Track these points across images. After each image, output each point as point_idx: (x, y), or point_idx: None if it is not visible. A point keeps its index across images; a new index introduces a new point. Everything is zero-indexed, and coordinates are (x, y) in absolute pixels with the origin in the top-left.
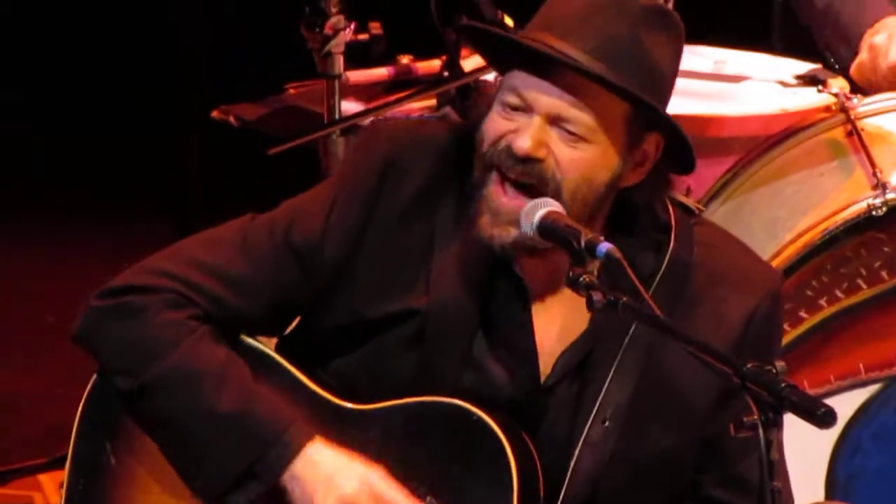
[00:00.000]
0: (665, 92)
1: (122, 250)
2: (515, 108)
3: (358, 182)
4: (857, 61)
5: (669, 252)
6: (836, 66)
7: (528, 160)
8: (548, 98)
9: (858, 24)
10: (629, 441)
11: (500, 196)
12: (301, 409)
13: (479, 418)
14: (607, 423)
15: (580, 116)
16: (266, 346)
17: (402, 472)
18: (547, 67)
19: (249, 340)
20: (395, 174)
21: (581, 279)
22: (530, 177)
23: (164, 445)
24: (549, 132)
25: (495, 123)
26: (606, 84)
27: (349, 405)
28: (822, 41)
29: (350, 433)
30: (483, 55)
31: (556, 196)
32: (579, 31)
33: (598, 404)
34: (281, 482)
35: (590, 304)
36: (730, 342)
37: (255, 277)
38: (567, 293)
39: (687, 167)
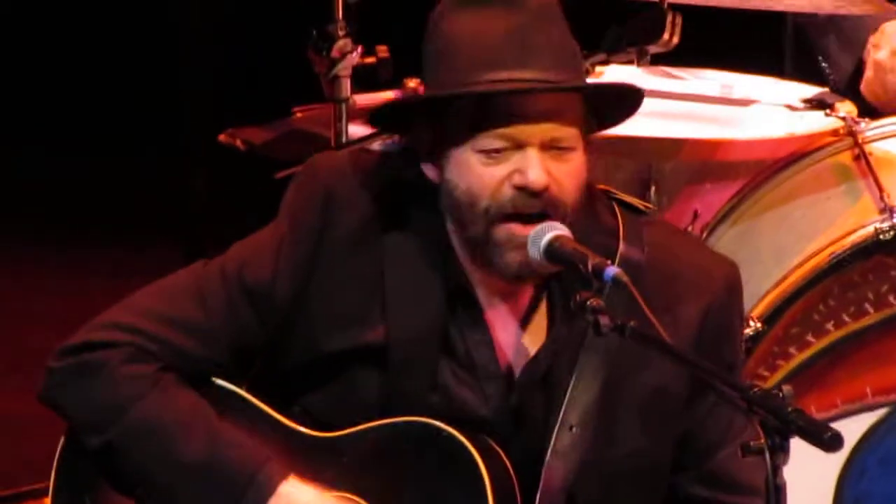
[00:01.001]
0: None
1: (128, 274)
2: (500, 151)
3: (301, 220)
4: (872, 60)
5: (618, 256)
6: (833, 79)
7: (542, 192)
8: (537, 127)
9: (859, 28)
10: (600, 447)
11: (522, 231)
12: (273, 444)
13: (449, 434)
14: (574, 430)
15: (568, 131)
16: (234, 386)
17: (378, 498)
18: (520, 100)
19: (217, 381)
20: (337, 207)
21: (588, 303)
22: (545, 206)
23: (141, 501)
24: (545, 157)
25: (483, 174)
26: (584, 90)
27: (320, 434)
28: (823, 52)
29: (323, 463)
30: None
31: (565, 215)
32: (527, 51)
33: (562, 411)
34: None
35: (597, 329)
36: (688, 340)
37: (211, 324)
38: (524, 308)
39: (628, 112)
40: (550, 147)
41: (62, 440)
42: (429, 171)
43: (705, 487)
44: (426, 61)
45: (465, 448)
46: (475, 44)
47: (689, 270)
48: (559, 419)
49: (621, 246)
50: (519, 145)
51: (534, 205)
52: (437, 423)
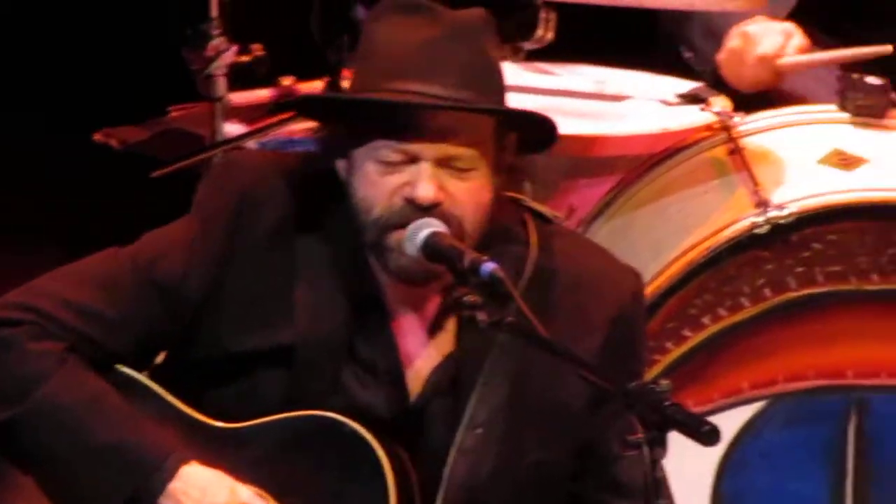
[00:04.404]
0: (504, 85)
1: (5, 276)
2: (394, 163)
3: (215, 218)
4: (726, 48)
5: (531, 264)
6: (698, 68)
7: (431, 207)
8: (433, 144)
9: (727, 19)
10: (507, 450)
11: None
12: (176, 432)
13: (352, 429)
14: (480, 430)
15: (465, 151)
16: (138, 374)
17: (279, 489)
18: (417, 114)
19: (121, 368)
20: (251, 207)
21: (465, 299)
22: (426, 213)
23: (43, 481)
24: (440, 173)
25: (378, 184)
26: (488, 112)
27: (223, 425)
28: (687, 42)
29: (225, 453)
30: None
31: (461, 231)
32: (434, 66)
33: (468, 412)
34: (158, 503)
35: (474, 325)
36: (595, 348)
37: (118, 314)
38: (431, 316)
39: (547, 142)
40: (446, 164)
41: None
42: (340, 168)
43: (606, 494)
44: (355, 63)
45: (368, 442)
46: (390, 51)
47: (596, 279)
48: (465, 419)
49: (533, 255)
50: (413, 159)
51: (423, 218)
52: (341, 417)
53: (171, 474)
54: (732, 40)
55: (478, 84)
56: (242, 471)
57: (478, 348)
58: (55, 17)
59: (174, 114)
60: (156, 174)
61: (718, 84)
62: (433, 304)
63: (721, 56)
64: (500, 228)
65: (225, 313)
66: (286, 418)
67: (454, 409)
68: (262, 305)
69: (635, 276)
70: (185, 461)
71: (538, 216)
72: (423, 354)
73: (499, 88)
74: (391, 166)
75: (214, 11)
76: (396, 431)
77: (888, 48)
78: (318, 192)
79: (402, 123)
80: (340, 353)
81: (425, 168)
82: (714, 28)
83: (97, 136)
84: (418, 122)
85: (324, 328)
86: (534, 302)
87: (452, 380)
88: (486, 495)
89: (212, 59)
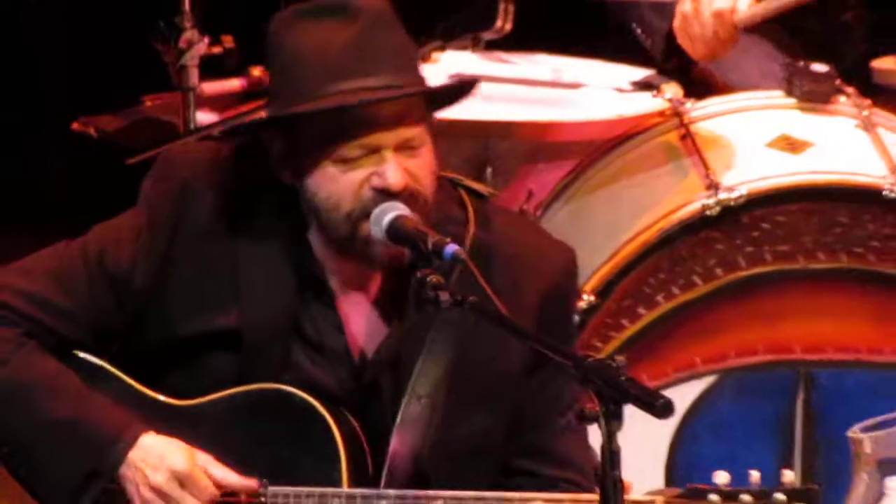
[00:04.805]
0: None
1: None
2: (356, 158)
3: (158, 210)
4: (679, 13)
5: (470, 240)
6: (651, 44)
7: (402, 191)
8: (390, 133)
9: None
10: (450, 423)
11: None
12: (134, 410)
13: (302, 399)
14: (423, 400)
15: (417, 130)
16: (97, 358)
17: (235, 459)
18: (371, 108)
19: (81, 354)
20: (192, 198)
21: (428, 280)
22: (405, 202)
23: (9, 461)
24: (399, 157)
25: (342, 181)
26: (430, 92)
27: (179, 402)
28: (638, 20)
29: (183, 428)
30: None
31: (425, 206)
32: (366, 60)
33: (411, 383)
34: (120, 472)
35: (437, 304)
36: (529, 322)
37: (72, 303)
38: (375, 294)
39: (463, 96)
40: (404, 147)
41: None
42: (284, 176)
43: (528, 460)
44: (273, 76)
45: (318, 411)
46: (318, 57)
47: (530, 255)
48: (408, 389)
49: (472, 231)
50: (374, 150)
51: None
52: (291, 389)
53: (129, 445)
54: (684, 4)
55: (407, 66)
56: (200, 443)
57: (420, 324)
58: (38, 10)
59: (148, 103)
60: (130, 161)
61: (673, 54)
62: (376, 283)
63: (676, 22)
64: (439, 206)
65: (173, 300)
66: (239, 392)
67: (399, 383)
68: (208, 291)
69: (568, 251)
70: (143, 431)
71: (474, 193)
72: (368, 332)
73: (417, 63)
74: (351, 162)
75: (187, 5)
76: (347, 404)
77: None
78: (256, 181)
79: (357, 121)
80: (287, 333)
81: (389, 156)
82: (660, 4)
83: (76, 125)
84: (371, 116)
85: (269, 311)
86: (468, 275)
87: (397, 355)
88: (431, 463)
89: (184, 51)
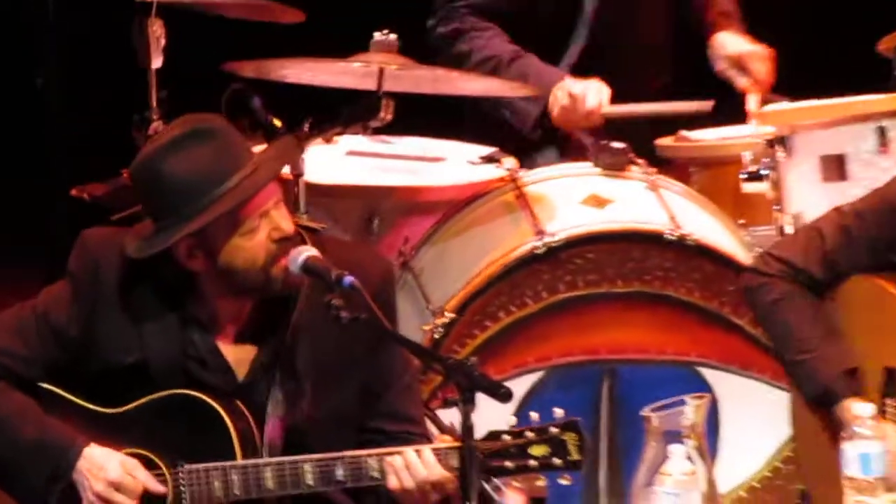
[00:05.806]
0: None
1: None
2: (257, 228)
3: (79, 282)
4: (559, 107)
5: None
6: (519, 123)
7: (292, 234)
8: (269, 198)
9: (543, 85)
10: (314, 400)
11: (285, 261)
12: (82, 425)
13: (200, 398)
14: (290, 387)
15: (278, 188)
16: (54, 387)
17: (161, 451)
18: (256, 189)
19: (42, 385)
20: (103, 272)
21: (333, 302)
22: (290, 240)
23: None
24: (279, 211)
25: (251, 245)
26: (281, 166)
27: (114, 411)
28: (508, 106)
29: (118, 434)
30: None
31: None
32: (235, 159)
33: (278, 378)
34: (73, 478)
35: (339, 320)
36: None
37: (29, 352)
38: (244, 321)
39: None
40: (277, 204)
41: None
42: (195, 264)
43: (377, 421)
44: (155, 203)
45: (213, 406)
46: (198, 173)
47: (356, 268)
48: (277, 382)
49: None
50: (264, 214)
51: (286, 243)
52: (194, 392)
53: (77, 455)
54: (562, 100)
55: (251, 153)
56: (134, 443)
57: (284, 334)
58: (44, 93)
59: (126, 175)
60: (115, 218)
61: (538, 127)
62: (244, 313)
63: (556, 115)
64: None
65: (101, 342)
66: (154, 398)
67: (272, 378)
68: (122, 336)
69: (386, 262)
70: (86, 444)
71: (308, 229)
72: (245, 347)
73: (251, 149)
74: (256, 229)
75: (154, 102)
76: (237, 397)
77: (708, 105)
78: (151, 258)
79: (249, 202)
80: (180, 360)
81: (274, 214)
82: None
83: (73, 191)
84: (259, 193)
85: (164, 345)
86: (320, 292)
87: (269, 361)
88: (301, 436)
89: (151, 137)
